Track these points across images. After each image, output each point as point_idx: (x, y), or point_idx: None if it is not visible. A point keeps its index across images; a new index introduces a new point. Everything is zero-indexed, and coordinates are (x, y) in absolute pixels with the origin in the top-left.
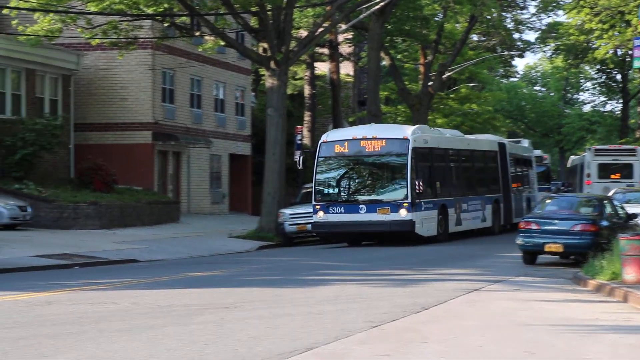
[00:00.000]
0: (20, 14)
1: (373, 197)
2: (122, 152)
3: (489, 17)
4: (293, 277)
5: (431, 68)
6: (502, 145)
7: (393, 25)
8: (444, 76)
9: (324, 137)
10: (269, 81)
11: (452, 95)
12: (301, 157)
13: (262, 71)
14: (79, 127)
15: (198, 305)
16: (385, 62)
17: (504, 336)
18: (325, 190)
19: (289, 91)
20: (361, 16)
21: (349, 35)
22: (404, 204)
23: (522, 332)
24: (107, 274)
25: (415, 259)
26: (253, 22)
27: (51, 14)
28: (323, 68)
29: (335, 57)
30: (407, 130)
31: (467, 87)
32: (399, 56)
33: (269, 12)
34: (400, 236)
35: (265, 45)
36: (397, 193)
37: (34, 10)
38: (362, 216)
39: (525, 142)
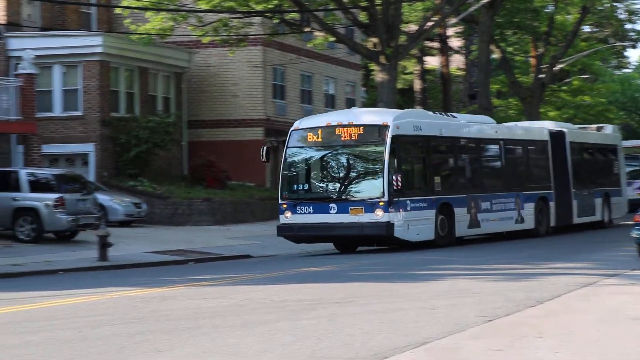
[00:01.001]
0: (132, 13)
1: (345, 194)
2: (234, 149)
3: (600, 8)
4: (404, 272)
5: (542, 60)
6: (556, 134)
7: (503, 18)
8: (556, 68)
9: (295, 124)
10: (379, 76)
11: (564, 88)
12: (265, 148)
13: (372, 66)
14: (191, 124)
15: (310, 300)
16: (496, 55)
17: (620, 331)
18: (294, 187)
19: (399, 85)
20: (471, 9)
21: (459, 29)
22: (380, 203)
23: (639, 326)
24: (220, 269)
25: (523, 252)
26: (362, 17)
27: (163, 13)
28: (433, 62)
29: (445, 50)
30: (389, 116)
31: (579, 79)
32: (509, 49)
33: (378, 7)
34: (379, 241)
35: (375, 40)
36: (373, 190)
37: (145, 9)
38: (333, 217)
39: (609, 129)
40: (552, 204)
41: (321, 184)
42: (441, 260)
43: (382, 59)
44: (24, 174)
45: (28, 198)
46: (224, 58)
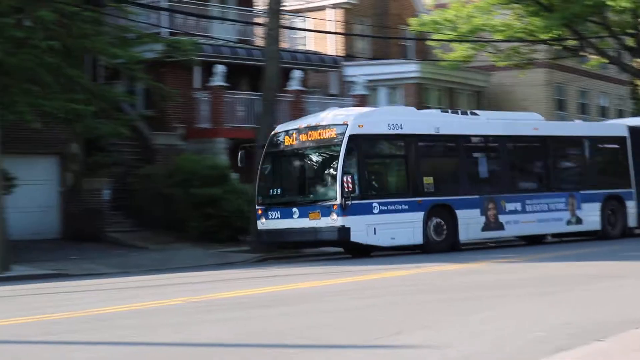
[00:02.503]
0: (442, 44)
1: (305, 198)
2: None
3: None
4: None
5: None
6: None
7: None
8: None
9: (277, 128)
10: None
11: None
12: (241, 152)
13: (638, 82)
14: None
15: (593, 274)
16: None
17: None
18: (269, 192)
19: None
20: None
21: None
22: (334, 206)
23: None
24: (516, 251)
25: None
26: (630, 42)
27: (466, 44)
28: None
29: None
30: (352, 114)
31: None
32: None
33: None
34: (338, 246)
35: None
36: (329, 193)
37: (452, 41)
38: (295, 222)
39: None
40: (631, 203)
41: (288, 188)
42: None
43: None
44: None
45: None
46: (515, 79)
